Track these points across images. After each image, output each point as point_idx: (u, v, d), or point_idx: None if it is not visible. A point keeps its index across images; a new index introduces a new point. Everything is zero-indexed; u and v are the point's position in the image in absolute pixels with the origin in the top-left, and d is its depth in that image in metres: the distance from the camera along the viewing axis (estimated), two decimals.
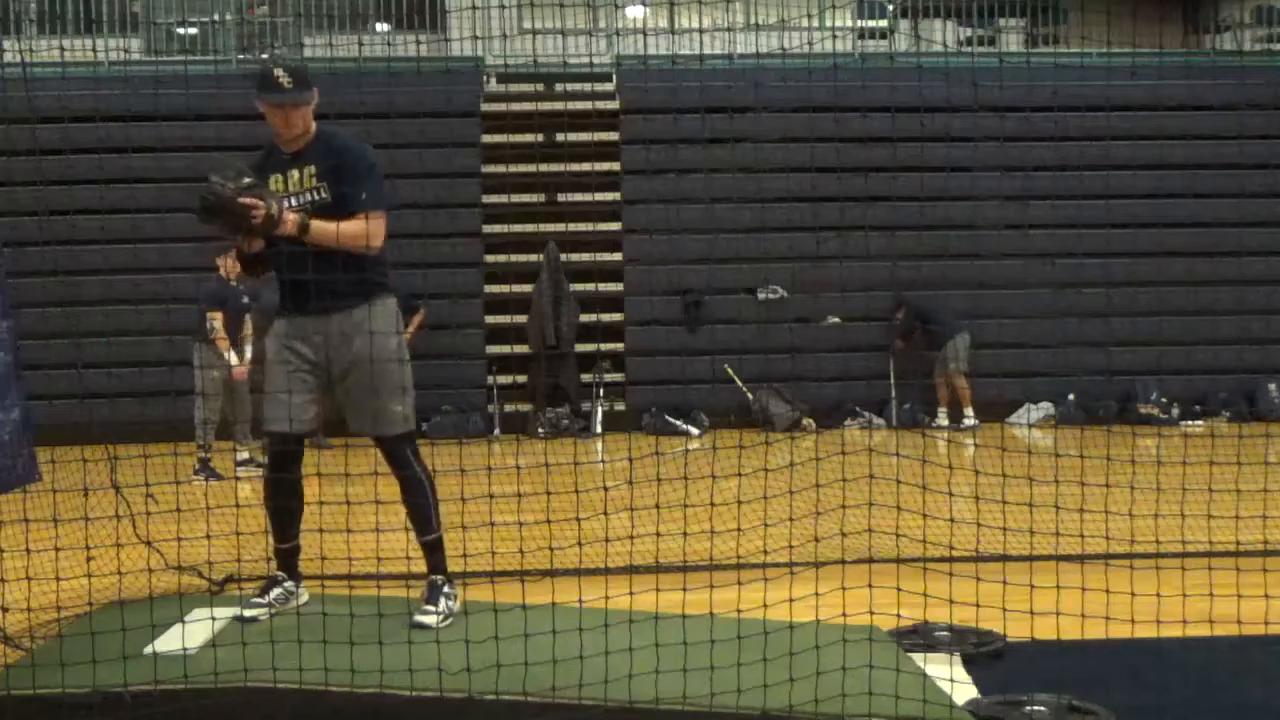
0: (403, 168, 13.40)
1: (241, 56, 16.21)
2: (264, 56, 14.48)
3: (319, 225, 4.91)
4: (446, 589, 5.11)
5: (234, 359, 11.13)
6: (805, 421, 14.54)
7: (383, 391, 5.01)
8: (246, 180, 4.81)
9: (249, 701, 4.21)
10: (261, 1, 17.72)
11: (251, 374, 11.25)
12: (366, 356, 4.98)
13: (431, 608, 5.00)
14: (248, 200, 4.76)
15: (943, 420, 14.80)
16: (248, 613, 5.02)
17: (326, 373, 5.10)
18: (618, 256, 15.69)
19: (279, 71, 5.05)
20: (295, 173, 5.07)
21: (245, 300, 11.31)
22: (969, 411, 14.65)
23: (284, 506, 5.13)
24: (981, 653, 5.14)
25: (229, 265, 11.17)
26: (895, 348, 15.00)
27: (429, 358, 14.20)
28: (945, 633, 5.30)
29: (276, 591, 5.17)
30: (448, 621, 4.95)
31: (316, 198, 5.04)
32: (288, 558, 5.23)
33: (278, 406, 5.05)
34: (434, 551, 5.14)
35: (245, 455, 11.57)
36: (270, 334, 5.17)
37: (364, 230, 4.94)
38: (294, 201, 5.02)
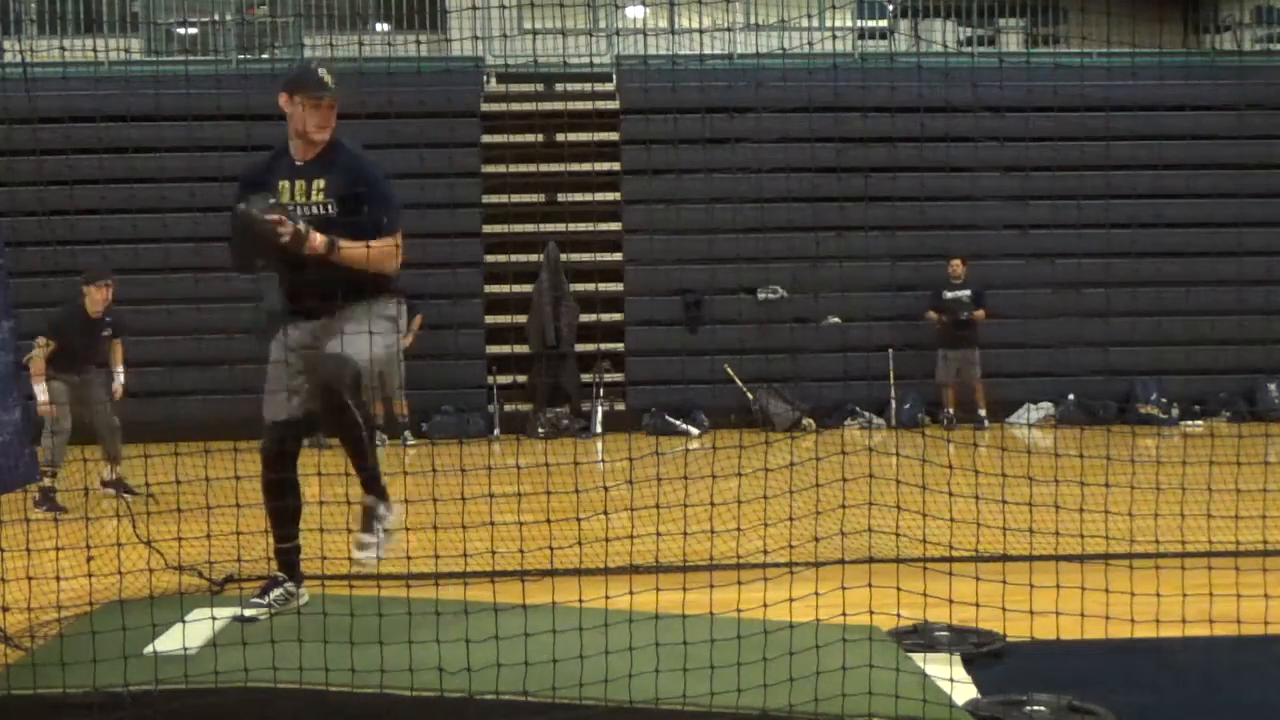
0: (403, 168, 13.37)
1: (242, 56, 16.21)
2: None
3: (349, 246, 4.92)
4: (381, 509, 5.15)
5: (42, 394, 9.60)
6: (805, 421, 14.53)
7: (365, 331, 4.91)
8: (272, 201, 4.92)
9: (249, 701, 4.21)
10: (262, 1, 17.72)
11: (113, 407, 9.94)
12: (351, 316, 4.97)
13: (369, 537, 5.10)
14: (274, 216, 4.84)
15: (951, 419, 14.66)
16: (248, 612, 5.03)
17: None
18: (618, 256, 15.69)
19: (323, 70, 5.14)
20: (302, 183, 5.07)
21: (107, 333, 10.11)
22: (983, 412, 14.61)
23: (283, 506, 5.13)
24: (981, 653, 5.14)
25: (95, 296, 9.98)
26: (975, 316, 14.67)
27: (429, 358, 14.25)
28: (945, 633, 5.30)
29: (277, 592, 5.18)
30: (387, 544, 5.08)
31: (320, 212, 5.03)
32: (288, 557, 5.24)
33: (276, 401, 5.09)
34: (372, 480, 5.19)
35: (111, 476, 9.71)
36: (275, 338, 5.17)
37: (392, 252, 5.03)
38: (296, 213, 5.02)
